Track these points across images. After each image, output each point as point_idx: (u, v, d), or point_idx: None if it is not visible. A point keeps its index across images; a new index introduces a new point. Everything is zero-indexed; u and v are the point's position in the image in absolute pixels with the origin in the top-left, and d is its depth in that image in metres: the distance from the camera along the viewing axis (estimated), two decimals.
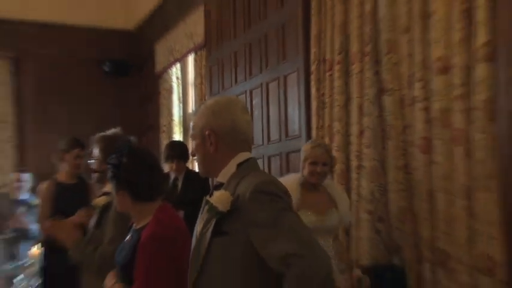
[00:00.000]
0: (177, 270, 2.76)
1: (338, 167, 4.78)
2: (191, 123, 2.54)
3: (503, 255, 3.49)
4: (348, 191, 4.72)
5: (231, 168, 2.39)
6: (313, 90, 5.16)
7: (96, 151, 4.22)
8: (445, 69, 3.89)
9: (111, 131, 4.33)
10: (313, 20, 5.20)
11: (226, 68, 6.79)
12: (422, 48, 4.08)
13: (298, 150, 5.32)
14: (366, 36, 4.60)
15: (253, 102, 6.13)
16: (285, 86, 5.63)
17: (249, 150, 2.50)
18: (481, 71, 3.62)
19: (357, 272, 3.79)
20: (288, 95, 5.59)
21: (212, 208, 2.28)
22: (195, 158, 2.54)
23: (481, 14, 3.62)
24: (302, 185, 4.00)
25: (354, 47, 4.71)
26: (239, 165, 2.40)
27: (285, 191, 2.40)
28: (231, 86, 6.60)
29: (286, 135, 5.61)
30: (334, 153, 4.74)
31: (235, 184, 2.32)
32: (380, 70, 4.52)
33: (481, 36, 3.61)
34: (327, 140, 4.98)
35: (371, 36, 4.57)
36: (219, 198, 2.27)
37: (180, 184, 5.53)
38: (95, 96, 8.98)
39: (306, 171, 3.99)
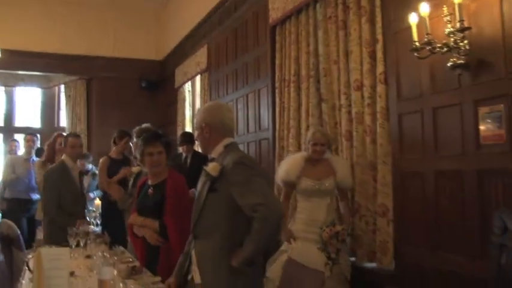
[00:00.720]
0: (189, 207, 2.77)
1: (292, 149, 4.76)
2: (195, 120, 2.60)
3: (392, 204, 3.60)
4: None
5: (220, 148, 2.43)
6: (277, 99, 5.17)
7: (135, 138, 4.30)
8: (359, 87, 3.92)
9: (144, 125, 4.41)
10: (277, 54, 5.23)
11: (220, 84, 6.74)
12: (346, 73, 4.09)
13: (267, 138, 5.43)
14: (311, 65, 4.60)
15: (238, 106, 6.15)
16: (259, 96, 5.61)
17: (233, 136, 2.55)
18: (380, 89, 3.71)
19: (337, 228, 3.47)
20: (260, 102, 5.58)
21: (207, 174, 2.34)
22: (198, 142, 2.62)
23: (379, 55, 3.73)
24: (306, 160, 3.79)
25: (303, 72, 4.70)
26: (225, 146, 2.44)
27: (256, 163, 2.50)
28: (224, 96, 6.58)
29: (260, 128, 5.62)
30: (291, 141, 4.85)
31: (222, 158, 2.36)
32: (319, 87, 4.50)
33: (380, 68, 3.72)
34: (285, 132, 5.00)
35: (314, 65, 4.57)
36: (212, 167, 2.33)
37: (189, 160, 5.57)
38: (136, 103, 8.96)
39: (310, 150, 3.78)
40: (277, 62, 5.23)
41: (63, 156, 4.48)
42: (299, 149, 4.75)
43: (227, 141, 2.46)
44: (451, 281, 2.96)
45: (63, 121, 9.63)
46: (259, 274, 2.38)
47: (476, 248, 2.84)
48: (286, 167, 3.85)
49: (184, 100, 8.34)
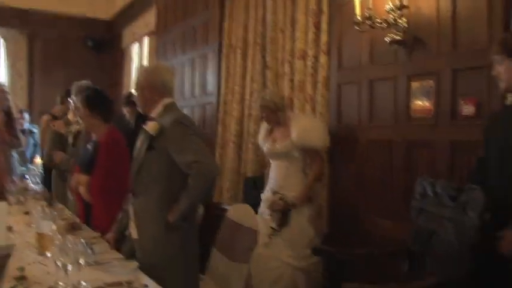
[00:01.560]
0: (122, 165, 2.77)
1: (235, 114, 4.83)
2: (135, 80, 2.56)
3: (328, 170, 3.70)
4: (241, 131, 4.78)
5: (159, 108, 2.42)
6: (223, 64, 5.17)
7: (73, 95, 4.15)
8: (303, 57, 3.96)
9: (83, 82, 4.23)
10: (226, 20, 5.20)
11: (168, 47, 6.64)
12: (291, 42, 4.12)
13: (211, 103, 5.44)
14: (258, 32, 4.60)
15: (185, 70, 6.09)
16: (206, 60, 5.59)
17: (172, 97, 2.52)
18: (322, 59, 3.79)
19: (274, 197, 3.38)
20: (207, 67, 5.57)
21: (146, 132, 2.34)
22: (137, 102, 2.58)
23: (324, 25, 3.79)
24: (269, 127, 3.65)
25: (250, 39, 4.72)
26: (165, 106, 2.43)
27: (193, 123, 2.52)
28: (172, 59, 6.45)
29: (205, 93, 5.61)
30: (235, 106, 4.88)
31: (161, 117, 2.36)
32: (265, 54, 4.51)
33: (324, 38, 3.78)
34: (229, 97, 5.03)
35: (261, 32, 4.57)
36: (151, 126, 2.32)
37: (132, 121, 5.43)
38: (82, 63, 8.61)
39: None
40: (225, 27, 5.21)
41: None
42: (242, 115, 4.81)
43: (166, 101, 2.45)
44: (376, 242, 3.14)
45: (1, 76, 9.15)
46: (194, 228, 2.43)
47: (399, 211, 3.04)
48: (259, 132, 3.83)
49: (131, 61, 8.15)
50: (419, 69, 3.05)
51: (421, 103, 3.03)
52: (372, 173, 3.37)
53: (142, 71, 2.58)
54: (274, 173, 3.59)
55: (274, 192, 3.46)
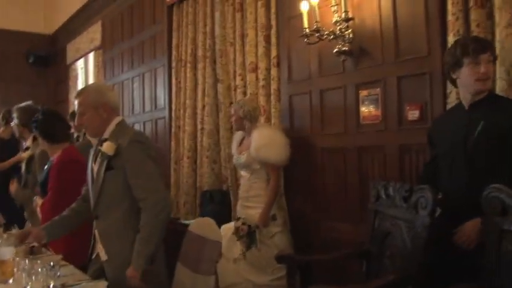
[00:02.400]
0: (77, 186, 2.71)
1: (188, 129, 4.87)
2: (82, 101, 2.40)
3: (283, 178, 3.78)
4: (195, 146, 4.82)
5: (112, 127, 2.38)
6: (173, 79, 5.22)
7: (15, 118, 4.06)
8: (254, 70, 4.06)
9: (24, 103, 4.14)
10: (174, 34, 5.26)
11: (116, 62, 6.59)
12: (242, 55, 4.20)
13: (163, 118, 5.45)
14: (207, 46, 4.68)
15: (134, 85, 6.08)
16: (155, 75, 5.61)
17: (119, 114, 2.50)
18: (273, 72, 3.91)
19: (237, 223, 3.43)
20: (157, 81, 5.59)
21: (103, 153, 2.31)
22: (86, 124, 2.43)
23: (273, 39, 3.91)
24: (240, 138, 3.73)
25: (200, 52, 4.78)
26: (117, 124, 2.39)
27: (147, 138, 2.55)
28: (119, 74, 6.46)
29: (156, 107, 5.61)
30: (187, 120, 4.90)
31: (115, 136, 2.34)
32: (216, 67, 4.58)
33: (273, 51, 3.91)
34: (181, 112, 5.06)
35: (210, 46, 4.65)
36: (107, 147, 2.30)
37: (81, 139, 5.32)
38: (24, 80, 8.35)
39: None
40: (174, 41, 5.26)
41: None
42: (195, 129, 4.85)
43: (118, 119, 2.43)
44: (335, 246, 3.26)
45: None
46: (161, 243, 2.45)
47: (356, 215, 3.18)
48: (232, 143, 3.89)
49: (76, 77, 8.02)
50: (366, 78, 3.21)
51: (369, 110, 3.20)
52: (327, 179, 3.50)
53: (92, 90, 2.47)
54: (242, 184, 3.74)
55: (238, 218, 3.51)
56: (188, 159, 4.86)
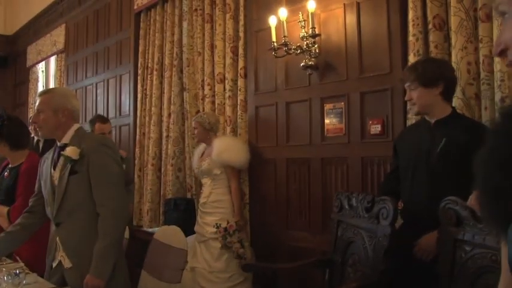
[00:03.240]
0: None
1: (153, 136, 4.88)
2: (44, 103, 2.39)
3: (248, 188, 3.90)
4: (160, 153, 4.85)
5: (71, 132, 2.39)
6: (139, 86, 5.23)
7: None
8: (222, 80, 4.15)
9: None
10: (141, 41, 5.29)
11: (79, 67, 6.54)
12: (211, 65, 4.27)
13: (128, 124, 5.44)
14: (174, 54, 4.73)
15: (98, 91, 6.05)
16: (121, 82, 5.60)
17: (78, 122, 2.49)
18: (240, 83, 4.00)
19: (224, 224, 3.56)
20: (122, 88, 5.58)
21: (67, 158, 2.30)
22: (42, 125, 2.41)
23: (241, 51, 4.00)
24: (202, 151, 3.89)
25: (167, 61, 4.82)
26: (76, 131, 2.40)
27: (114, 144, 2.58)
28: (83, 79, 6.41)
29: (120, 114, 5.60)
30: (152, 128, 4.92)
31: (77, 142, 2.35)
32: (182, 76, 4.65)
33: (241, 63, 4.00)
34: (147, 119, 5.08)
35: (178, 54, 4.70)
36: (71, 151, 2.30)
37: (41, 144, 5.23)
38: None
39: None
40: (140, 48, 5.29)
41: None
42: (160, 136, 4.86)
43: (77, 126, 2.44)
44: (299, 255, 3.35)
45: None
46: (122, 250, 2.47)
47: (319, 224, 3.29)
48: (193, 156, 4.05)
49: (37, 80, 7.86)
50: (331, 92, 3.34)
51: (333, 123, 3.33)
52: (291, 190, 3.60)
53: (57, 93, 2.47)
54: (203, 191, 3.83)
55: (214, 225, 3.59)
56: (152, 166, 4.87)
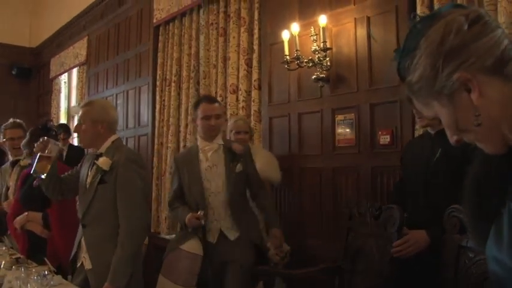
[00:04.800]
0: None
1: (171, 146, 4.98)
2: (85, 113, 2.57)
3: None
4: None
5: (108, 143, 2.54)
6: (157, 97, 5.35)
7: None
8: (235, 91, 4.24)
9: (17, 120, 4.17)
10: (159, 54, 5.40)
11: (100, 79, 6.69)
12: (223, 77, 4.38)
13: (146, 134, 5.56)
14: (192, 67, 4.83)
15: (118, 102, 6.19)
16: (139, 93, 5.73)
17: (115, 133, 2.65)
18: (254, 94, 4.09)
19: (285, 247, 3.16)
20: (141, 99, 5.71)
21: (99, 167, 2.46)
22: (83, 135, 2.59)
23: (254, 63, 4.10)
24: None
25: (184, 73, 4.93)
26: (113, 142, 2.56)
27: (144, 162, 2.76)
28: (103, 90, 6.55)
29: (139, 124, 5.72)
30: (170, 138, 5.04)
31: (111, 153, 2.49)
32: (199, 88, 4.76)
33: (255, 75, 4.09)
34: (165, 129, 5.18)
35: (195, 67, 4.81)
36: (103, 162, 2.45)
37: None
38: (6, 91, 8.38)
39: (233, 139, 3.38)
40: (159, 61, 5.41)
41: None
42: (178, 146, 4.97)
43: (114, 137, 2.60)
44: (311, 262, 3.36)
45: None
46: (141, 256, 2.58)
47: (330, 232, 3.34)
48: None
49: (59, 91, 8.06)
50: (342, 103, 3.41)
51: (344, 134, 3.39)
52: (304, 199, 3.66)
53: (97, 105, 2.63)
54: None
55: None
56: (170, 175, 4.96)
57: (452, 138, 0.95)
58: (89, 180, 2.52)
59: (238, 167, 2.91)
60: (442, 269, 2.00)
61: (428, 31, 0.89)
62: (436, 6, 2.79)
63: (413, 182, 2.41)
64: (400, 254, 2.22)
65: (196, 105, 3.01)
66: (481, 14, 0.88)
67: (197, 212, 2.78)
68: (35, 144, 2.66)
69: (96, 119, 2.53)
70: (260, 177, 3.09)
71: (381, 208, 2.43)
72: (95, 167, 2.49)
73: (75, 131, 2.66)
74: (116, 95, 6.22)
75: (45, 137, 2.68)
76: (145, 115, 5.60)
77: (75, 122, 5.44)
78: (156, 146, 5.29)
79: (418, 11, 2.89)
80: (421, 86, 0.91)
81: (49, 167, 2.54)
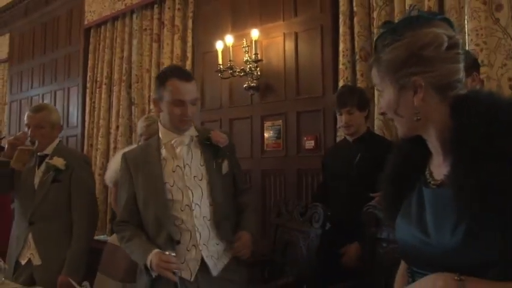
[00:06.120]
0: None
1: (101, 147, 4.95)
2: (41, 117, 2.58)
3: None
4: (107, 163, 4.70)
5: (54, 144, 2.61)
6: (87, 99, 5.29)
7: None
8: None
9: None
10: (90, 56, 5.35)
11: (24, 78, 6.43)
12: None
13: (75, 135, 5.47)
14: (124, 70, 4.85)
15: (45, 101, 5.98)
16: (68, 94, 5.62)
17: None
18: None
19: None
20: (70, 100, 5.60)
21: (52, 166, 2.51)
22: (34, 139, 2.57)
23: (188, 69, 4.19)
24: None
25: (116, 76, 4.95)
26: (58, 143, 2.64)
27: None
28: (28, 89, 6.31)
29: (68, 125, 5.57)
30: (100, 139, 5.00)
31: (59, 154, 2.55)
32: (130, 91, 4.79)
33: None
34: (95, 131, 5.15)
35: (127, 70, 4.83)
36: (58, 161, 2.51)
37: None
38: None
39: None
40: (89, 63, 5.36)
41: None
42: (108, 148, 4.96)
43: (59, 138, 2.70)
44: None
45: None
46: None
47: (259, 229, 3.53)
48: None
49: None
50: (270, 111, 3.65)
51: (272, 139, 3.63)
52: None
53: (53, 109, 2.69)
54: None
55: None
56: (100, 176, 4.93)
57: (381, 110, 1.18)
58: (37, 179, 2.55)
59: (225, 166, 2.10)
60: (362, 258, 2.27)
61: (418, 30, 1.07)
62: (357, 28, 3.10)
63: (336, 183, 2.67)
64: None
65: (162, 81, 2.02)
66: (459, 43, 1.09)
67: (167, 251, 1.87)
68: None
69: (54, 122, 2.61)
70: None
71: (307, 206, 2.67)
72: (43, 166, 2.53)
73: (33, 136, 2.56)
74: (43, 95, 6.04)
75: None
76: (74, 116, 5.51)
77: None
78: (85, 147, 5.22)
79: (341, 31, 3.20)
80: (387, 65, 1.11)
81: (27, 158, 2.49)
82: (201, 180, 2.01)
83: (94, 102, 5.23)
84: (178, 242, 1.94)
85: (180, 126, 2.01)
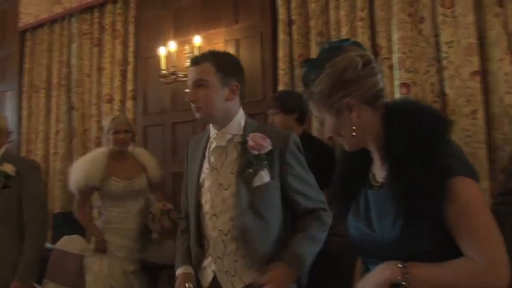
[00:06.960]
0: None
1: (40, 152, 4.80)
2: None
3: None
4: (47, 169, 4.74)
5: (2, 151, 2.54)
6: (24, 103, 5.09)
7: None
8: (110, 100, 4.32)
9: None
10: (27, 59, 5.14)
11: None
12: (98, 86, 4.42)
13: (12, 141, 5.20)
14: (63, 74, 4.75)
15: None
16: (4, 98, 5.37)
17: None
18: (129, 104, 4.23)
19: (169, 206, 3.05)
20: (5, 105, 5.35)
21: (2, 173, 2.47)
22: None
23: (130, 74, 4.22)
24: (110, 156, 2.98)
25: (55, 80, 4.81)
26: (5, 150, 2.58)
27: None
28: None
29: None
30: (39, 145, 4.84)
31: (8, 160, 2.50)
32: (71, 95, 4.68)
33: (130, 86, 4.24)
34: (33, 136, 4.98)
35: (66, 74, 4.73)
36: (9, 168, 2.47)
37: None
38: None
39: (111, 141, 2.96)
40: (26, 66, 5.16)
41: None
42: (47, 153, 4.82)
43: (6, 145, 2.63)
44: None
45: None
46: None
47: None
48: (86, 169, 2.93)
49: None
50: None
51: None
52: (178, 201, 3.84)
53: (2, 116, 2.68)
54: (130, 217, 3.00)
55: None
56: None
57: (326, 135, 1.27)
58: None
59: (260, 178, 1.67)
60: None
61: (334, 59, 1.18)
62: (295, 36, 3.24)
63: None
64: None
65: None
66: (371, 59, 1.20)
67: (187, 283, 1.72)
68: None
69: (1, 129, 2.57)
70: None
71: None
72: None
73: None
74: None
75: None
76: (10, 122, 5.25)
77: None
78: (23, 153, 5.04)
79: (280, 38, 3.32)
80: (319, 97, 1.21)
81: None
82: (226, 190, 1.69)
83: (31, 107, 5.05)
84: (202, 246, 1.76)
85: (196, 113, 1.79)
